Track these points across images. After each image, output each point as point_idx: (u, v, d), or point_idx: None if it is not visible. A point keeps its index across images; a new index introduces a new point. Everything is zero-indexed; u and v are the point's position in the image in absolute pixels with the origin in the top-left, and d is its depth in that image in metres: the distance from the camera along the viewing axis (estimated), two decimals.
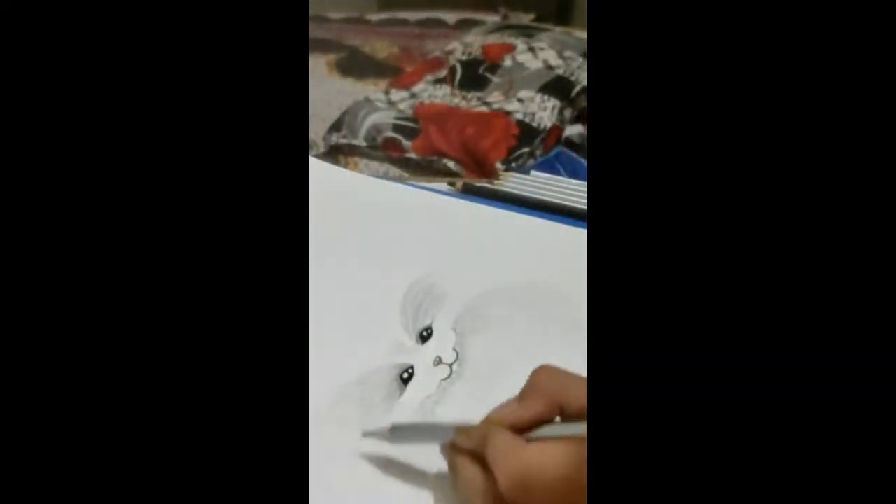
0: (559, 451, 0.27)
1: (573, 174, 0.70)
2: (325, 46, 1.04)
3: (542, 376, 0.31)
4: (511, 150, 0.73)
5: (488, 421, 0.31)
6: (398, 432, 0.36)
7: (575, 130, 0.77)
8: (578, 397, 0.29)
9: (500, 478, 0.28)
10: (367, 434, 0.37)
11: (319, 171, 0.69)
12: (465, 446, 0.31)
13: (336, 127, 0.79)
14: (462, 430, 0.32)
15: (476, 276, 0.51)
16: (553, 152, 0.75)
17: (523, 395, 0.31)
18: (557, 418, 0.30)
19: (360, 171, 0.72)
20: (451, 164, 0.73)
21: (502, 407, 0.32)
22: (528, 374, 0.33)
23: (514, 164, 0.72)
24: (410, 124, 0.78)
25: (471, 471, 0.30)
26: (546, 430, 0.29)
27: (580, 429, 0.27)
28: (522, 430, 0.30)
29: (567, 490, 0.26)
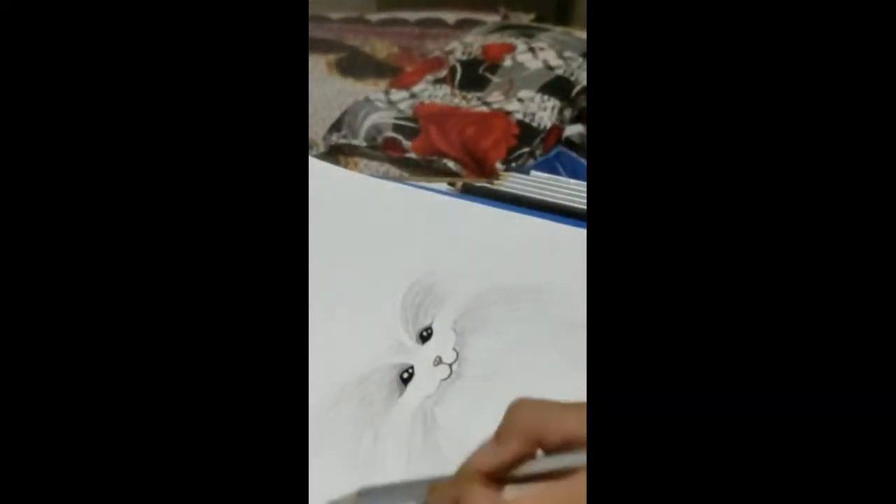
0: None
1: (573, 174, 0.70)
2: (325, 46, 1.04)
3: (519, 411, 0.28)
4: (511, 150, 0.73)
5: (462, 473, 0.28)
6: (366, 497, 0.31)
7: (575, 130, 0.77)
8: (558, 429, 0.26)
9: None
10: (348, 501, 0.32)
11: (319, 171, 0.69)
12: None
13: (336, 127, 0.79)
14: (434, 488, 0.29)
15: (476, 276, 0.51)
16: (553, 152, 0.75)
17: (499, 435, 0.28)
18: (540, 452, 0.28)
19: (360, 171, 0.72)
20: (451, 164, 0.73)
21: (478, 452, 0.28)
22: (528, 373, 0.32)
23: (514, 164, 0.72)
24: (410, 124, 0.78)
25: None
26: (526, 468, 0.27)
27: (561, 462, 0.26)
28: (501, 473, 0.27)
29: None
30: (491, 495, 0.26)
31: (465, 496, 0.26)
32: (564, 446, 0.26)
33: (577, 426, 0.25)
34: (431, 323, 0.47)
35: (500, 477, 0.27)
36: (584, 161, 0.73)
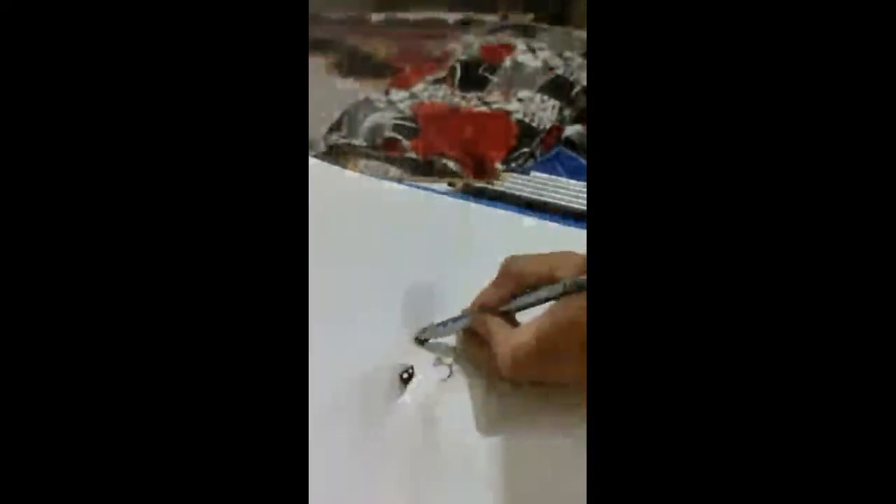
0: (530, 331, 0.37)
1: (573, 174, 0.70)
2: (325, 46, 1.04)
3: (508, 263, 0.41)
4: (511, 150, 0.73)
5: (477, 306, 0.42)
6: (441, 326, 0.45)
7: (575, 130, 0.77)
8: (532, 273, 0.39)
9: (500, 363, 0.38)
10: (420, 335, 0.46)
11: (319, 171, 0.69)
12: (475, 328, 0.42)
13: (336, 127, 0.79)
14: (471, 314, 0.43)
15: (476, 276, 0.51)
16: (553, 152, 0.75)
17: (496, 282, 0.42)
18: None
19: (360, 171, 0.72)
20: (451, 164, 0.73)
21: (481, 295, 0.42)
22: None
23: (514, 164, 0.72)
24: (410, 124, 0.78)
25: (477, 354, 0.42)
26: (518, 302, 0.40)
27: (538, 295, 0.39)
28: (501, 304, 0.41)
29: (542, 358, 0.37)
30: (503, 325, 0.40)
31: (488, 321, 0.40)
32: (539, 282, 0.39)
33: (546, 269, 0.39)
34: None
35: (495, 310, 0.41)
36: (584, 161, 0.73)
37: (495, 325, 0.40)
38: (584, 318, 0.34)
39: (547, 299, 0.38)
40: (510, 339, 0.38)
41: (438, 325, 0.45)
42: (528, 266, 0.40)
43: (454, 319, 0.45)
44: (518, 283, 0.40)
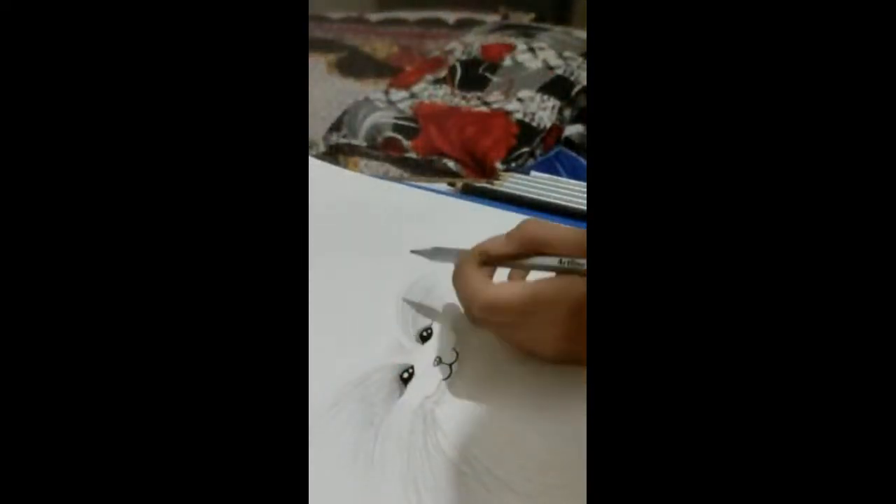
0: (514, 287, 0.39)
1: (573, 174, 0.70)
2: (325, 46, 1.04)
3: (529, 223, 0.42)
4: (511, 150, 0.73)
5: (471, 251, 0.42)
6: (436, 254, 0.47)
7: (575, 130, 0.78)
8: (543, 239, 0.40)
9: (474, 304, 0.40)
10: (415, 251, 0.47)
11: (319, 171, 0.69)
12: (459, 264, 0.42)
13: (336, 127, 0.79)
14: (462, 253, 0.43)
15: None
16: (553, 152, 0.75)
17: (509, 235, 0.42)
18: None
19: (360, 171, 0.72)
20: (451, 164, 0.73)
21: (491, 239, 0.42)
22: (528, 372, 0.37)
23: (514, 164, 0.72)
24: (410, 124, 0.78)
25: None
26: (529, 262, 0.41)
27: (552, 261, 0.40)
28: (499, 260, 0.42)
29: (521, 312, 0.38)
30: (480, 272, 0.41)
31: (463, 266, 0.41)
32: (550, 249, 0.40)
33: (573, 239, 0.39)
34: (431, 323, 0.47)
35: (496, 261, 0.42)
36: (584, 161, 0.73)
37: (474, 272, 0.41)
38: (563, 299, 0.37)
39: (542, 269, 0.40)
40: (490, 287, 0.39)
41: (434, 249, 0.47)
42: (540, 231, 0.41)
43: (450, 251, 0.46)
44: (526, 246, 0.41)
